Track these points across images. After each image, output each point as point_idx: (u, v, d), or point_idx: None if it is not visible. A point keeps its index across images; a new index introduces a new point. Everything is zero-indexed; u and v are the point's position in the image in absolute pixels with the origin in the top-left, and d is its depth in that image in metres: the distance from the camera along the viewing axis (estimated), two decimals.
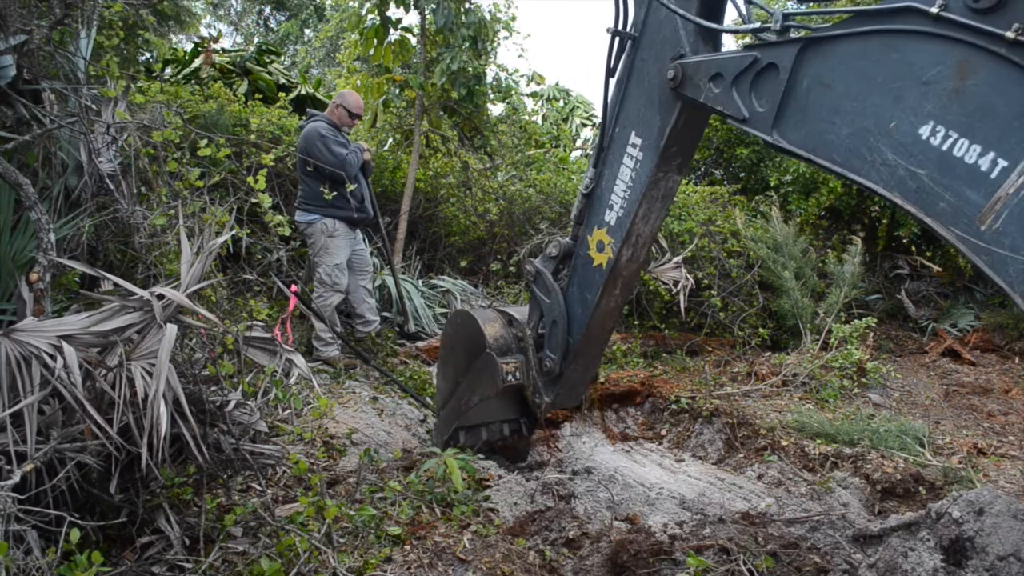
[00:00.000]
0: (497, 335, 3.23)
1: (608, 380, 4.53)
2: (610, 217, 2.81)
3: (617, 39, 2.66)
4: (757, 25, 2.15)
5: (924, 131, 1.70)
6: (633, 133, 2.66)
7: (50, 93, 2.74)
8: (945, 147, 1.67)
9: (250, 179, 2.89)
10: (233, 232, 2.67)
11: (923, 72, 1.70)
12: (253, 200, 3.24)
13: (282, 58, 9.40)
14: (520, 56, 12.82)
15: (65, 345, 2.00)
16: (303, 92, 8.27)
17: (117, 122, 2.84)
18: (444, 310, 5.85)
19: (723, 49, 2.44)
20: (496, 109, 8.51)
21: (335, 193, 4.41)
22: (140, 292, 2.16)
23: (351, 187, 4.40)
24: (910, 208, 1.75)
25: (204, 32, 8.21)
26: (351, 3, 6.44)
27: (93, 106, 2.87)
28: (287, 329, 3.93)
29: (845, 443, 3.91)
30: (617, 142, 2.74)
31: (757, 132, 2.13)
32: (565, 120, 13.18)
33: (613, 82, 2.73)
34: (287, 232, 3.20)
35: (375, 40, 6.28)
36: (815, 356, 5.16)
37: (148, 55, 6.27)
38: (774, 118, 2.05)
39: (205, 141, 2.97)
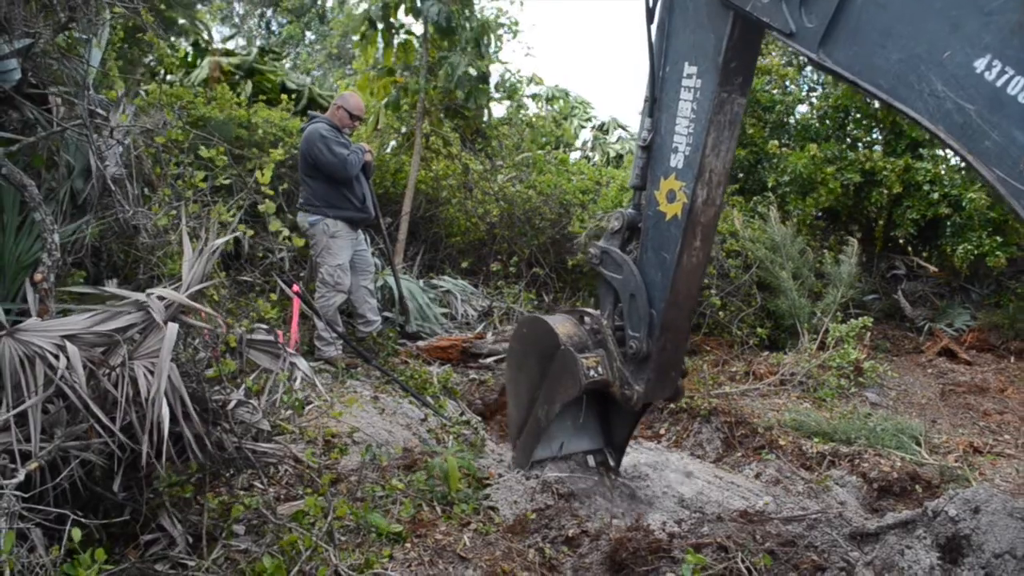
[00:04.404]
0: (571, 333, 2.93)
1: None
2: (676, 160, 2.61)
3: None
4: None
5: (979, 64, 1.63)
6: (686, 64, 2.54)
7: (56, 97, 2.76)
8: (999, 83, 1.60)
9: (258, 174, 2.90)
10: (236, 233, 2.69)
11: (986, 2, 1.62)
12: (256, 200, 3.27)
13: (284, 61, 9.43)
14: (527, 55, 12.77)
15: (69, 345, 2.01)
16: (314, 96, 8.29)
17: (121, 125, 2.87)
18: (445, 310, 5.87)
19: None
20: (499, 110, 8.53)
21: (337, 194, 4.43)
22: (137, 296, 2.18)
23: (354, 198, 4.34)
24: (953, 143, 1.69)
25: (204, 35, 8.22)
26: (359, 5, 6.47)
27: (100, 111, 2.89)
28: (292, 331, 3.92)
29: (842, 442, 3.94)
30: (670, 81, 2.61)
31: (802, 49, 2.05)
32: (565, 118, 13.21)
33: (654, 28, 2.65)
34: (301, 244, 3.16)
35: (380, 42, 6.32)
36: (812, 355, 5.19)
37: (150, 59, 6.30)
38: (822, 36, 1.97)
39: (205, 146, 2.99)
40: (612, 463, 3.25)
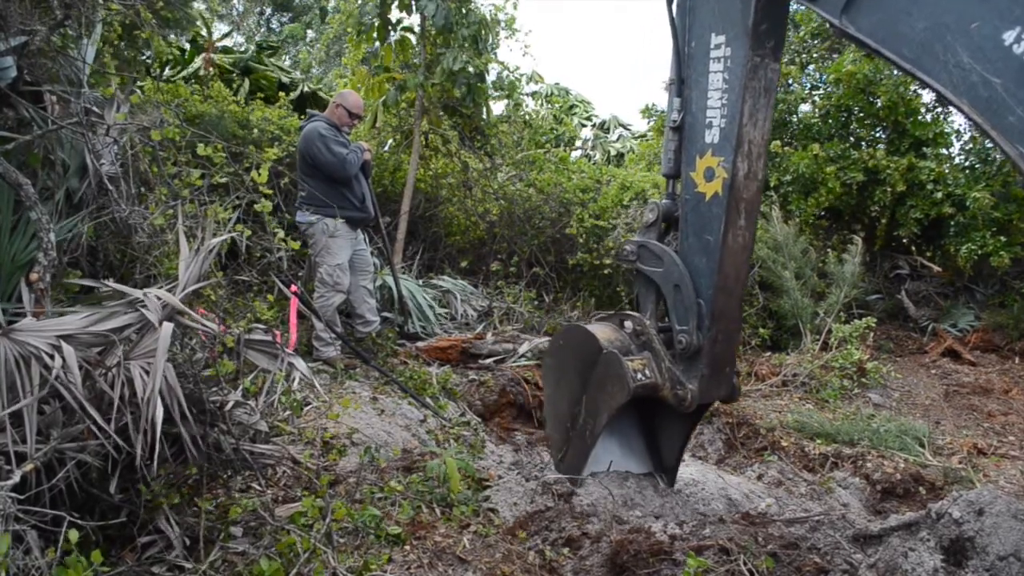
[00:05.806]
0: (611, 338, 2.76)
1: None
2: (712, 136, 2.51)
3: None
4: None
5: (1008, 36, 1.59)
6: (713, 35, 2.48)
7: (51, 95, 2.74)
8: None
9: (253, 173, 2.88)
10: (233, 234, 2.67)
11: None
12: (254, 199, 3.25)
13: (282, 57, 9.41)
14: (525, 55, 12.75)
15: (64, 345, 2.00)
16: (305, 90, 8.26)
17: (117, 124, 2.85)
18: (444, 310, 5.85)
19: None
20: (498, 108, 8.51)
21: (336, 193, 4.41)
22: (135, 293, 2.16)
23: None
24: (976, 118, 1.65)
25: (202, 31, 8.21)
26: (355, 2, 6.44)
27: (95, 109, 2.87)
28: (291, 331, 3.90)
29: (845, 443, 3.92)
30: (697, 56, 2.55)
31: (825, 14, 2.00)
32: (566, 115, 13.20)
33: (675, 8, 2.61)
34: (296, 247, 3.14)
35: (376, 40, 6.30)
36: (815, 356, 5.17)
37: (147, 55, 6.30)
38: (846, 1, 1.92)
39: (203, 144, 2.97)
40: (665, 486, 3.05)
